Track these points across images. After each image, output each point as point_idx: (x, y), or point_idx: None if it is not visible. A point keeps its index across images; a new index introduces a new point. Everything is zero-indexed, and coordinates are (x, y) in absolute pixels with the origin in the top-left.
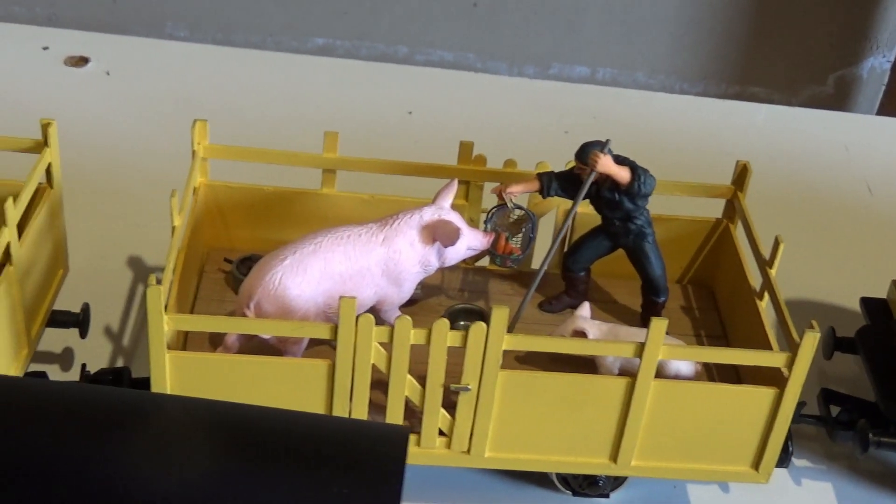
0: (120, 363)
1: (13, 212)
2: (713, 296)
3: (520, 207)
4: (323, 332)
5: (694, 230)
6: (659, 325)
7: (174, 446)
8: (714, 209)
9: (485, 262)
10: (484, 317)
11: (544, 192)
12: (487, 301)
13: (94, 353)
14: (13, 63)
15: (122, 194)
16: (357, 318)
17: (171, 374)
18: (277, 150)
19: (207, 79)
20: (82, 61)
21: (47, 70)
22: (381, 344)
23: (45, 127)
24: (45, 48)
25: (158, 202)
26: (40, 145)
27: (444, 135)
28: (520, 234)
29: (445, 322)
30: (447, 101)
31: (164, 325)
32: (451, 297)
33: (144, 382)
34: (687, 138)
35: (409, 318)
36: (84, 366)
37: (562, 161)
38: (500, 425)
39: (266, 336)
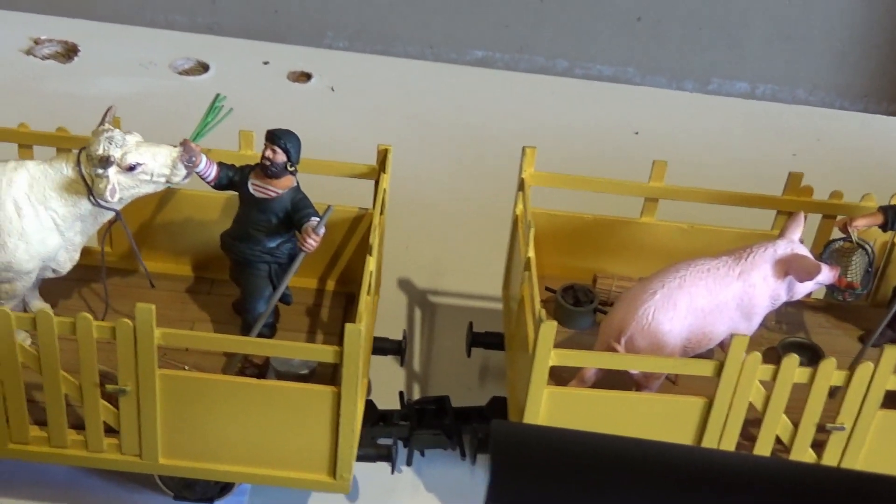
0: (416, 392)
1: (377, 240)
2: None
3: (862, 241)
4: (705, 370)
5: None
6: None
7: None
8: None
9: None
10: (816, 351)
11: (888, 225)
12: (807, 334)
13: (393, 380)
14: (238, 77)
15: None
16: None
17: (544, 409)
18: (602, 179)
19: (426, 94)
20: (304, 77)
21: (272, 86)
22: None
23: (382, 153)
24: (266, 63)
25: (429, 224)
26: (375, 171)
27: (667, 154)
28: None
29: (832, 361)
30: (661, 121)
31: (550, 360)
32: (771, 330)
33: (466, 412)
34: None
35: (795, 356)
36: (402, 394)
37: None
38: (866, 465)
39: (634, 371)
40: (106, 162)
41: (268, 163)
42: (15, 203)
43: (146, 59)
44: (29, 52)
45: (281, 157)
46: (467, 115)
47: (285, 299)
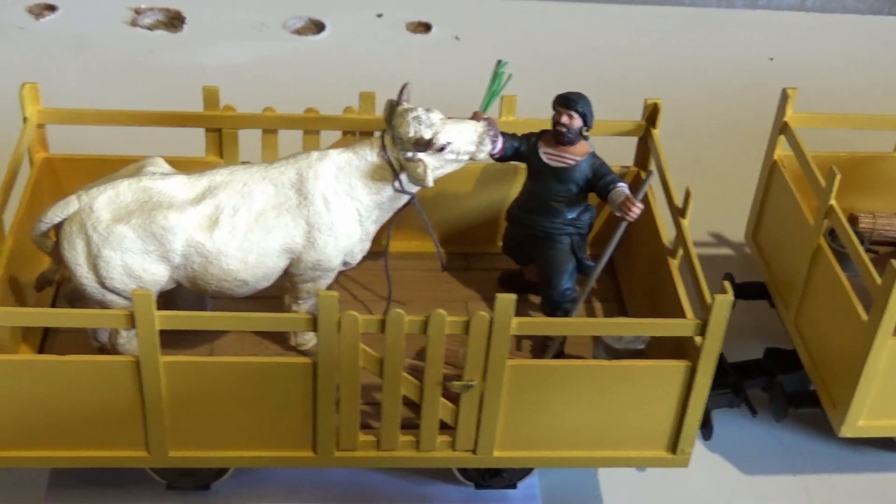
0: None
1: (685, 201)
2: None
3: None
4: None
5: None
6: None
7: None
8: None
9: None
10: None
11: None
12: None
13: None
14: (355, 33)
15: None
16: None
17: (885, 363)
18: (863, 115)
19: (558, 36)
20: (423, 27)
21: (391, 39)
22: None
23: (650, 107)
24: (380, 15)
25: None
26: (642, 127)
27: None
28: None
29: None
30: (792, 46)
31: None
32: None
33: (743, 367)
34: None
35: None
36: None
37: None
38: None
39: None
40: (426, 144)
41: (563, 129)
42: (323, 197)
43: (257, 20)
44: (133, 24)
45: (577, 122)
46: (604, 55)
47: (586, 270)
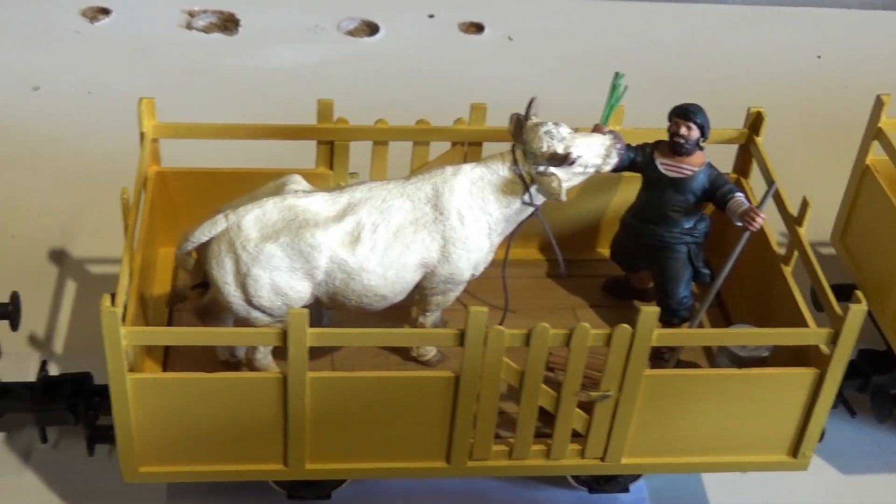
0: None
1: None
2: None
3: None
4: None
5: None
6: None
7: None
8: None
9: None
10: None
11: None
12: None
13: None
14: (408, 34)
15: None
16: None
17: None
18: None
19: (609, 35)
20: (474, 27)
21: (445, 40)
22: None
23: (753, 115)
24: (431, 16)
25: None
26: (744, 135)
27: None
28: None
29: None
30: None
31: None
32: None
33: None
34: None
35: None
36: None
37: None
38: None
39: None
40: (562, 159)
41: (682, 140)
42: (458, 211)
43: (310, 22)
44: (188, 27)
45: (695, 133)
46: (656, 53)
47: (702, 278)
